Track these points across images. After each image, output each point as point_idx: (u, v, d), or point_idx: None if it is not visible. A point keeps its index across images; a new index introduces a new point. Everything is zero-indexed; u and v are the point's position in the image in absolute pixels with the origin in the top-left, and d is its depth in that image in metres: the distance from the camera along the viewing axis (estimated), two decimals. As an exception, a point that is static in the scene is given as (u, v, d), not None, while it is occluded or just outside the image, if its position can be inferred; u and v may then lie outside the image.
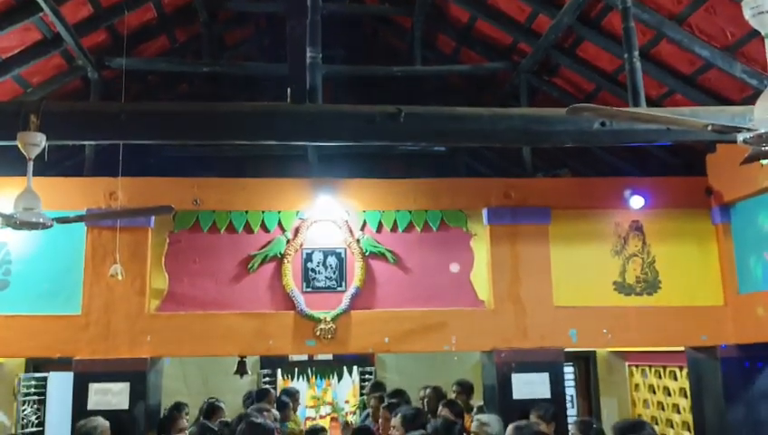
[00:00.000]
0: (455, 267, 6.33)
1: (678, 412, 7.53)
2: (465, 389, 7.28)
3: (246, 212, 6.25)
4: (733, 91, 5.60)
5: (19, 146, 3.92)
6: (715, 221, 6.49)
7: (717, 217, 6.45)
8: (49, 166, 4.77)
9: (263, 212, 6.27)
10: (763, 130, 2.89)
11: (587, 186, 6.64)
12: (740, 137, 2.98)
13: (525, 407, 5.70)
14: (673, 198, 6.54)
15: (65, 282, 5.94)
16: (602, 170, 7.48)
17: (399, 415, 5.14)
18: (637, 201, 6.41)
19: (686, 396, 7.22)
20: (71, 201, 5.90)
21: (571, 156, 7.74)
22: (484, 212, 6.40)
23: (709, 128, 3.07)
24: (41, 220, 3.94)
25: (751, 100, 4.01)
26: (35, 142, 3.90)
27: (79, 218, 4.63)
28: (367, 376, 8.95)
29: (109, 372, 5.73)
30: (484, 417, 5.21)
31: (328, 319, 6.09)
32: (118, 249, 5.70)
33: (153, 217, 6.03)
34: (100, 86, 6.47)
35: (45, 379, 7.84)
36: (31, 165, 3.97)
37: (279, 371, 8.99)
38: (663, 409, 7.84)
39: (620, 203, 6.47)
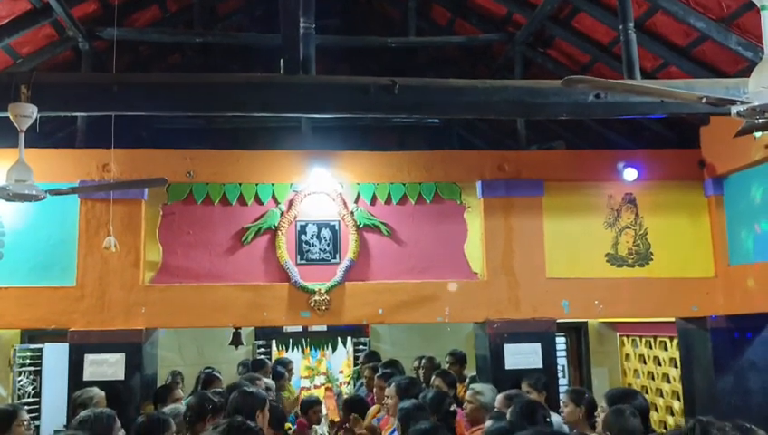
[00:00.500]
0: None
1: (669, 382, 7.63)
2: (459, 359, 7.36)
3: (240, 184, 6.24)
4: (727, 64, 5.58)
5: (10, 117, 3.89)
6: (707, 193, 6.52)
7: (710, 190, 6.48)
8: (41, 137, 4.73)
9: (256, 185, 6.26)
10: (757, 103, 2.89)
11: (580, 158, 6.65)
12: (734, 109, 2.98)
13: (517, 377, 5.76)
14: (666, 170, 6.56)
15: (59, 254, 5.94)
16: (596, 143, 7.48)
17: (394, 384, 5.19)
18: (630, 174, 6.43)
19: (676, 366, 7.32)
20: (63, 173, 5.88)
21: (565, 128, 7.73)
22: (478, 185, 6.41)
23: (703, 100, 3.07)
24: (33, 192, 3.93)
25: (746, 72, 4.01)
26: (27, 114, 3.87)
27: (72, 190, 4.62)
28: (361, 347, 9.02)
29: (104, 343, 5.77)
30: (478, 386, 5.26)
31: (322, 291, 6.12)
32: (111, 221, 5.68)
33: (146, 190, 6.02)
34: (92, 57, 6.39)
35: (41, 350, 7.86)
36: (22, 137, 3.94)
37: (274, 342, 9.05)
38: (653, 378, 7.95)
39: (614, 175, 6.48)
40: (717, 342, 6.29)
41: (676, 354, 7.12)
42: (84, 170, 5.96)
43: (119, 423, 3.82)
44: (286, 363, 7.79)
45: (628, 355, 8.57)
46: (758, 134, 5.56)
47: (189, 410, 4.30)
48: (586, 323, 8.86)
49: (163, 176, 5.18)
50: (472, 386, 5.29)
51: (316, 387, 9.62)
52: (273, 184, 6.28)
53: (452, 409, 4.82)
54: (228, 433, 3.13)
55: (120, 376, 5.74)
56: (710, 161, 6.45)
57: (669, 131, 6.97)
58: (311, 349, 9.25)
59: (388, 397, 5.23)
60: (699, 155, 6.54)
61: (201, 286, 6.06)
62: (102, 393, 5.24)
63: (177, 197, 6.16)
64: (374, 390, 6.19)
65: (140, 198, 6.03)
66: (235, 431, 3.16)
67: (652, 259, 6.49)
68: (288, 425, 6.22)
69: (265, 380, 6.06)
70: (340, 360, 9.68)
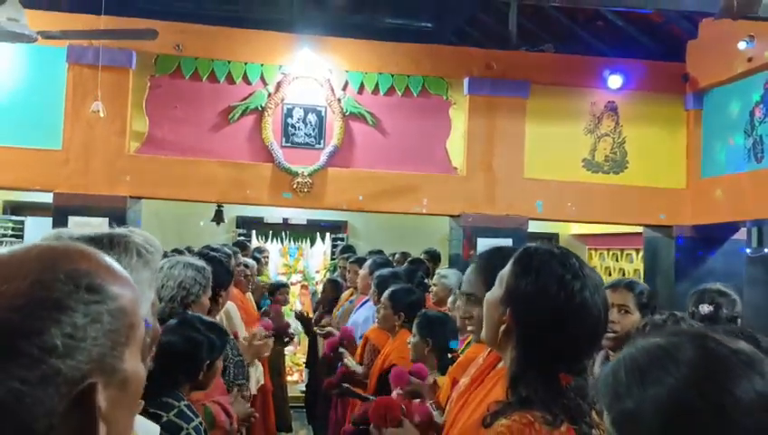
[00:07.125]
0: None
1: (630, 292, 7.94)
2: (433, 257, 7.54)
3: (229, 62, 6.25)
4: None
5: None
6: (687, 107, 6.66)
7: (690, 103, 6.62)
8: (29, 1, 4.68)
9: (245, 63, 6.28)
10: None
11: (568, 62, 6.73)
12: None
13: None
14: (650, 81, 6.66)
15: (46, 117, 5.97)
16: (584, 53, 7.51)
17: (368, 262, 5.40)
18: (615, 81, 6.52)
19: (639, 277, 7.61)
20: (51, 35, 5.83)
21: (554, 36, 7.75)
22: (465, 81, 6.48)
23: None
24: (26, 32, 3.94)
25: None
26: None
27: (62, 34, 4.62)
28: (339, 243, 9.21)
29: (88, 206, 5.86)
30: (443, 270, 5.48)
31: (305, 174, 6.24)
32: (99, 87, 5.69)
33: (135, 59, 6.01)
34: None
35: (23, 222, 7.94)
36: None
37: (254, 232, 9.20)
38: (617, 289, 8.26)
39: (599, 82, 6.58)
40: (681, 249, 6.55)
41: (641, 266, 7.40)
42: (73, 34, 5.91)
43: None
44: (262, 251, 7.98)
45: (594, 267, 8.87)
46: (742, 46, 5.69)
47: None
48: (557, 235, 9.12)
49: (152, 48, 5.16)
50: (438, 271, 5.51)
51: (292, 284, 9.83)
52: (262, 64, 6.30)
53: (424, 281, 5.05)
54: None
55: (104, 239, 5.84)
56: (693, 75, 6.56)
57: (657, 44, 7.03)
58: (290, 242, 9.42)
59: (362, 276, 5.44)
60: (683, 69, 6.64)
61: (186, 160, 6.14)
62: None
63: (165, 69, 6.17)
64: (347, 275, 6.36)
65: (128, 67, 6.02)
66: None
67: (627, 167, 6.67)
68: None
69: (247, 259, 6.23)
70: (318, 260, 9.88)
